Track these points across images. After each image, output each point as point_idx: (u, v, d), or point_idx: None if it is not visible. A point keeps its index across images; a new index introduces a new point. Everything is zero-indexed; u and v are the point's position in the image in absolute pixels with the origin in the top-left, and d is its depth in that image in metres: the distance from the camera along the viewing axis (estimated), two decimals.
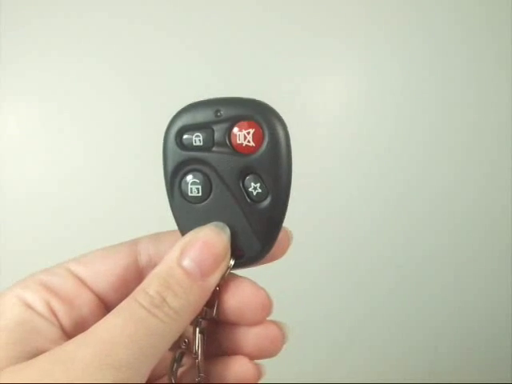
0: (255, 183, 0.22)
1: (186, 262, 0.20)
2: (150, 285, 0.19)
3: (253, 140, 0.22)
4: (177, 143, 0.22)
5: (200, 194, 0.22)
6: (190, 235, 0.21)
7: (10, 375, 0.16)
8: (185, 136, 0.22)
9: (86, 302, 0.21)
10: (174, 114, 0.23)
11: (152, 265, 0.23)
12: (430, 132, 0.64)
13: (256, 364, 0.23)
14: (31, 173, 0.61)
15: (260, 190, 0.22)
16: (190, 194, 0.23)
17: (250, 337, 0.23)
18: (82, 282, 0.22)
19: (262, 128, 0.22)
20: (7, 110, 0.60)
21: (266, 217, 0.22)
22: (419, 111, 0.64)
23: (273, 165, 0.22)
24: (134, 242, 0.24)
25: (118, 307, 0.19)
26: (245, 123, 0.22)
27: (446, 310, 0.68)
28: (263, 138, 0.22)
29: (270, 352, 0.23)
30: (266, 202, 0.22)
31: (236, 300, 0.22)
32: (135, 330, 0.17)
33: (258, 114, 0.22)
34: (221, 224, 0.22)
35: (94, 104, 0.61)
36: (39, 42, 0.59)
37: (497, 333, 0.69)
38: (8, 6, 0.57)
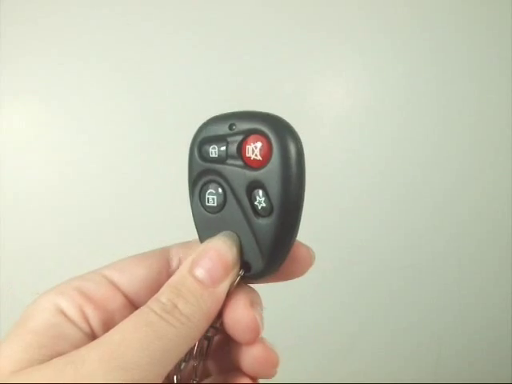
0: (260, 197, 0.22)
1: (197, 271, 0.21)
2: (163, 293, 0.20)
3: (260, 154, 0.21)
4: (198, 153, 0.23)
5: (215, 205, 0.23)
6: (202, 245, 0.22)
7: (24, 376, 0.17)
8: (204, 147, 0.23)
9: (119, 307, 0.22)
10: (189, 120, 0.24)
11: None
12: (434, 134, 0.65)
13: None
14: (34, 172, 0.61)
15: (264, 205, 0.21)
16: (207, 204, 0.23)
17: (245, 355, 0.22)
18: (115, 287, 0.22)
19: (269, 142, 0.21)
20: (9, 110, 0.61)
21: (270, 233, 0.22)
22: (422, 113, 0.64)
23: (279, 180, 0.21)
24: (166, 249, 0.25)
25: (132, 314, 0.19)
26: (254, 137, 0.22)
27: (449, 311, 0.68)
28: (271, 153, 0.21)
29: (263, 374, 0.22)
30: (271, 218, 0.21)
31: (229, 316, 0.22)
32: (145, 333, 0.18)
33: (269, 128, 0.21)
34: (231, 233, 0.22)
35: (97, 103, 0.60)
36: (41, 40, 0.59)
37: (499, 334, 0.69)
38: (11, 6, 0.58)
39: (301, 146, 0.21)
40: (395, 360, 0.69)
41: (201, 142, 0.23)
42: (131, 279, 0.23)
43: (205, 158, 0.23)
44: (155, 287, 0.22)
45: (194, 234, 0.25)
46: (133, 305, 0.23)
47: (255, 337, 0.21)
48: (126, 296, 0.22)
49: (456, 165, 0.65)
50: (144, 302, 0.22)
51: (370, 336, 0.68)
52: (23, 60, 0.60)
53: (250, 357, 0.22)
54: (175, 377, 0.23)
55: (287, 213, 0.21)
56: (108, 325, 0.21)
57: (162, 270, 0.24)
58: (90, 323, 0.21)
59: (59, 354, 0.18)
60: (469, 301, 0.68)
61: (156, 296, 0.20)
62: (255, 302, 0.22)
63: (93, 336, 0.20)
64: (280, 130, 0.21)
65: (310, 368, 0.68)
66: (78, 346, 0.19)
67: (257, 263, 0.22)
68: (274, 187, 0.21)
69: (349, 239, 0.66)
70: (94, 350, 0.17)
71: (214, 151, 0.23)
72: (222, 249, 0.21)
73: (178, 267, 0.24)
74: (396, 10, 0.62)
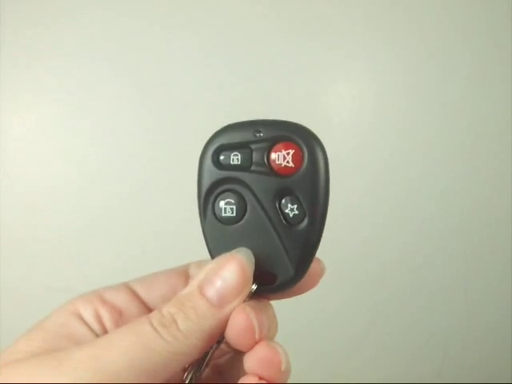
0: (292, 205, 0.21)
1: (207, 288, 0.20)
2: (167, 305, 0.20)
3: (292, 161, 0.21)
4: (213, 162, 0.22)
5: (234, 215, 0.22)
6: (214, 261, 0.21)
7: (11, 366, 0.18)
8: (222, 155, 0.22)
9: (135, 313, 0.22)
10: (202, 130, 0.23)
11: None
12: (441, 137, 0.65)
13: None
14: (35, 172, 0.61)
15: (297, 212, 0.21)
16: (223, 215, 0.22)
17: (248, 358, 0.21)
18: (135, 294, 0.23)
19: (301, 149, 0.21)
20: (10, 111, 0.60)
21: (301, 240, 0.21)
22: (429, 116, 0.65)
23: (311, 187, 0.21)
24: (186, 266, 0.25)
25: (127, 324, 0.19)
26: (284, 144, 0.21)
27: (454, 311, 0.68)
28: (302, 160, 0.21)
29: (270, 377, 0.20)
30: (303, 225, 0.21)
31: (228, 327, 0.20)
32: (130, 341, 0.18)
33: (298, 135, 0.21)
34: (246, 250, 0.21)
35: (102, 103, 0.61)
36: (44, 40, 0.59)
37: (505, 335, 0.69)
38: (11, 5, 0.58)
39: (325, 151, 0.22)
40: (400, 360, 0.69)
41: (217, 149, 0.22)
42: (150, 289, 0.23)
43: (222, 165, 0.22)
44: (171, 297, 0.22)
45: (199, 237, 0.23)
46: (150, 311, 0.22)
47: (250, 340, 0.20)
48: (143, 303, 0.23)
49: (464, 166, 0.65)
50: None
51: (374, 336, 0.68)
52: (25, 60, 0.59)
53: (252, 359, 0.20)
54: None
55: (318, 218, 0.21)
56: None
57: (180, 284, 0.24)
58: (105, 324, 0.21)
59: (59, 351, 0.18)
60: (474, 300, 0.68)
61: (160, 307, 0.20)
62: (252, 306, 0.21)
63: None
64: (309, 138, 0.21)
65: (316, 368, 0.67)
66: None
67: (285, 272, 0.21)
68: (307, 194, 0.21)
69: (356, 239, 0.65)
70: (80, 350, 0.18)
71: (235, 158, 0.22)
72: (235, 269, 0.20)
73: None
74: (404, 15, 0.63)
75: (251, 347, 0.20)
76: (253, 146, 0.21)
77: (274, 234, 0.21)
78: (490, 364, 0.69)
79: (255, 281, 0.21)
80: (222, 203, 0.22)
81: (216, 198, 0.22)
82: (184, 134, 0.61)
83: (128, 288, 0.23)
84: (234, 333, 0.20)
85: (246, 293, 0.20)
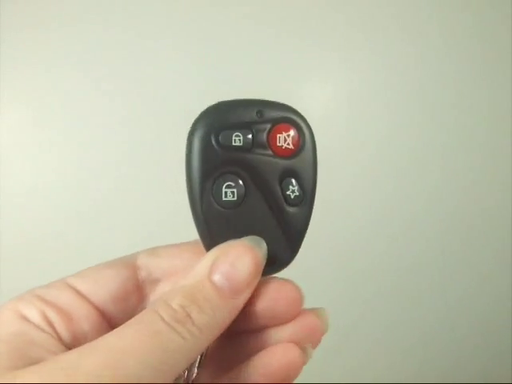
0: (293, 186, 0.21)
1: (217, 277, 0.19)
2: (174, 297, 0.18)
3: (292, 143, 0.21)
4: (213, 142, 0.21)
5: (235, 199, 0.21)
6: (221, 248, 0.20)
7: (8, 378, 0.15)
8: (222, 135, 0.21)
9: (85, 315, 0.20)
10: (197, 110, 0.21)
11: (152, 279, 0.23)
12: (419, 136, 0.65)
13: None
14: (28, 172, 0.60)
15: (297, 193, 0.21)
16: (224, 199, 0.21)
17: (283, 336, 0.21)
18: (79, 294, 0.21)
19: (299, 132, 0.22)
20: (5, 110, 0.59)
21: (301, 221, 0.22)
22: (400, 114, 0.65)
23: (309, 168, 0.22)
24: (133, 256, 0.23)
25: (134, 318, 0.17)
26: (285, 125, 0.21)
27: (436, 310, 0.69)
28: (300, 142, 0.22)
29: (315, 343, 0.21)
30: (302, 206, 0.22)
31: (263, 302, 0.20)
32: (150, 344, 0.16)
33: (298, 117, 0.22)
34: (257, 239, 0.21)
35: (91, 103, 0.60)
36: (36, 41, 0.58)
37: (498, 333, 0.70)
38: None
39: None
40: (385, 359, 0.68)
41: (216, 128, 0.21)
42: (95, 287, 0.21)
43: (223, 146, 0.21)
44: (121, 296, 0.21)
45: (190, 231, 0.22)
46: (100, 312, 0.21)
47: (299, 307, 0.20)
48: (91, 303, 0.21)
49: (442, 165, 0.65)
50: (111, 311, 0.21)
51: (359, 336, 0.67)
52: (18, 60, 0.59)
53: (290, 334, 0.20)
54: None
55: (313, 197, 0.22)
56: (75, 332, 0.19)
57: (129, 279, 0.22)
58: (56, 330, 0.19)
59: (35, 360, 0.16)
60: (458, 298, 0.68)
61: (164, 299, 0.18)
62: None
63: (60, 341, 0.19)
64: (305, 121, 0.22)
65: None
66: (52, 351, 0.18)
67: (284, 253, 0.22)
68: (307, 175, 0.22)
69: (331, 239, 0.64)
70: (86, 357, 0.15)
71: (238, 139, 0.21)
72: (248, 259, 0.19)
73: (146, 278, 0.22)
74: (379, 14, 0.63)
75: (295, 317, 0.20)
76: (254, 127, 0.21)
77: (273, 216, 0.21)
78: (481, 363, 0.70)
79: None
80: (223, 187, 0.21)
81: (215, 180, 0.21)
82: (165, 132, 0.60)
83: (69, 286, 0.21)
84: (285, 303, 0.20)
85: (256, 282, 0.20)
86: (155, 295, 0.23)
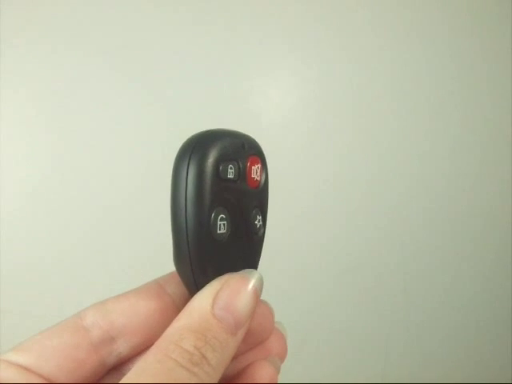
0: (259, 216, 0.23)
1: (221, 312, 0.19)
2: (184, 339, 0.17)
3: (259, 175, 0.23)
4: (214, 173, 0.19)
5: (225, 231, 0.20)
6: (221, 282, 0.20)
7: None
8: (221, 166, 0.20)
9: None
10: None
11: (107, 338, 0.20)
12: (367, 135, 0.64)
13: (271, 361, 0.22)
14: (26, 173, 0.56)
15: (261, 223, 0.23)
16: (218, 232, 0.20)
17: (257, 355, 0.22)
18: (25, 369, 0.18)
19: (263, 164, 0.23)
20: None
21: (258, 247, 0.24)
22: (357, 115, 0.63)
23: (266, 198, 0.24)
24: (78, 317, 0.21)
25: (143, 368, 0.16)
26: (256, 158, 0.22)
27: (396, 311, 0.68)
28: (263, 174, 0.23)
29: (263, 331, 0.23)
30: (260, 234, 0.23)
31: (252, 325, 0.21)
32: None
33: (261, 150, 0.23)
34: (253, 271, 0.21)
35: (94, 102, 0.57)
36: (36, 35, 0.56)
37: (498, 333, 0.70)
38: None
39: None
40: (385, 359, 0.66)
41: (218, 159, 0.19)
42: (40, 361, 0.19)
43: (221, 178, 0.20)
44: (72, 365, 0.19)
45: None
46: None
47: (272, 326, 0.22)
48: (41, 376, 0.19)
49: (437, 169, 0.64)
50: (65, 379, 0.19)
51: (360, 335, 0.66)
52: (15, 55, 0.55)
53: (278, 341, 0.22)
54: None
55: (265, 225, 0.24)
56: None
57: (78, 345, 0.20)
58: None
59: None
60: (414, 299, 0.66)
61: (174, 341, 0.17)
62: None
63: None
64: (263, 152, 0.24)
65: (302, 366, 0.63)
66: None
67: None
68: (266, 205, 0.23)
69: (291, 243, 0.62)
70: None
71: (231, 171, 0.20)
72: (250, 294, 0.20)
73: (101, 337, 0.20)
74: (335, 12, 0.60)
75: (271, 334, 0.21)
76: (239, 159, 0.21)
77: (247, 244, 0.22)
78: (481, 363, 0.70)
79: None
80: (218, 219, 0.20)
81: (211, 213, 0.20)
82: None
83: (10, 363, 0.18)
84: (267, 321, 0.21)
85: (254, 313, 0.20)
86: (119, 354, 0.21)
